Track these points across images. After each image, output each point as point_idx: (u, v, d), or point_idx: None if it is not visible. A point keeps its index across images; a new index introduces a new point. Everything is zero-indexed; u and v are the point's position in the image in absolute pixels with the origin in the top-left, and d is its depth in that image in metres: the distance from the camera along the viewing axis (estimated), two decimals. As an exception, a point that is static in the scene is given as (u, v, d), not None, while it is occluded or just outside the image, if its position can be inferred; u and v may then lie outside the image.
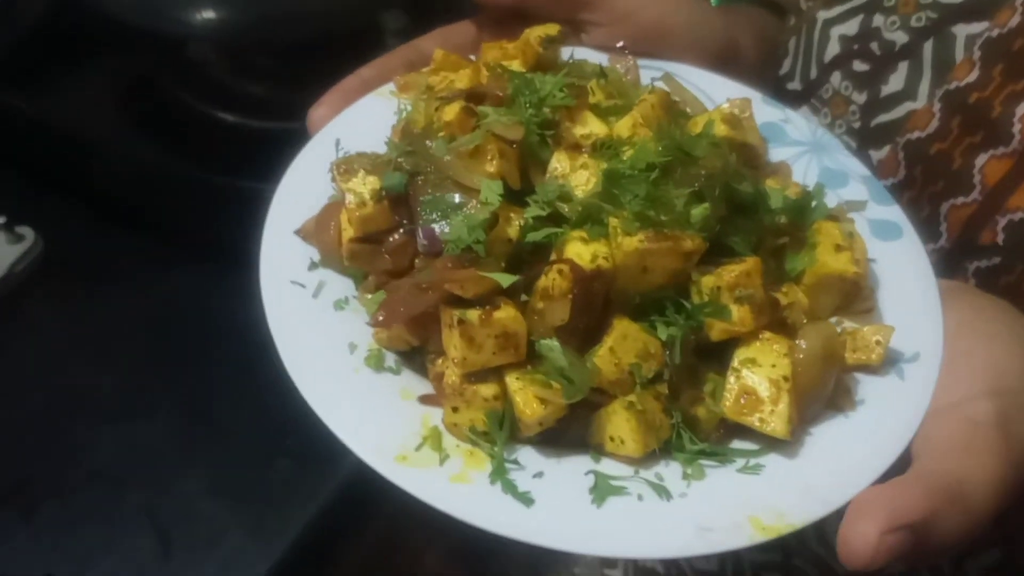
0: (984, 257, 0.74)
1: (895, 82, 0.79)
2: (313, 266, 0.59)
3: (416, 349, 0.55)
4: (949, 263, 0.76)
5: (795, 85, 0.90)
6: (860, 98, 0.82)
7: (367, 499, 0.93)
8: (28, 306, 1.04)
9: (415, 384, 0.54)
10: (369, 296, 0.56)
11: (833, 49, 0.85)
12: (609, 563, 1.18)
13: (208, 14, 0.95)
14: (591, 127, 0.57)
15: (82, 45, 1.16)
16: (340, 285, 0.58)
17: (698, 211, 0.52)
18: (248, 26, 0.97)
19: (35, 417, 0.95)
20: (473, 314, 0.50)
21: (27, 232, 1.05)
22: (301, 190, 0.61)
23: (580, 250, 0.51)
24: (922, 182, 0.76)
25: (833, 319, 0.60)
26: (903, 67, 0.78)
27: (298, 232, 0.60)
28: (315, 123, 0.67)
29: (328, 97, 0.68)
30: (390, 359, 0.55)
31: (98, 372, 0.99)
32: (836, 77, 0.84)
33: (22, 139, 1.15)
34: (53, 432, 0.95)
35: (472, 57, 0.71)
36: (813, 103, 0.88)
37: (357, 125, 0.65)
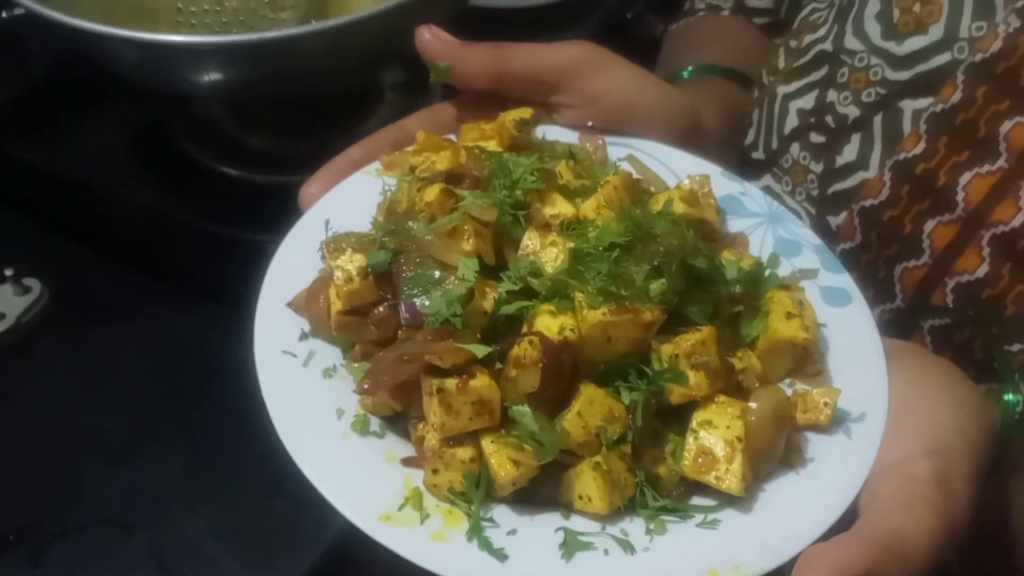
0: (936, 316, 0.79)
1: (849, 153, 0.85)
2: (304, 336, 0.63)
3: (399, 414, 0.60)
4: (905, 322, 0.81)
5: (759, 155, 0.95)
6: (817, 167, 0.88)
7: (371, 539, 0.95)
8: (36, 353, 1.06)
9: (398, 447, 0.59)
10: (356, 365, 0.61)
11: (792, 122, 0.90)
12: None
13: (214, 74, 0.99)
14: (559, 208, 0.62)
15: (89, 96, 1.20)
16: (329, 354, 0.62)
17: (656, 286, 0.57)
18: (252, 85, 1.00)
19: (44, 460, 0.97)
20: (451, 383, 0.54)
21: (34, 284, 1.08)
22: (292, 265, 0.66)
23: (549, 323, 0.56)
24: (877, 246, 0.82)
25: (786, 381, 0.64)
26: (856, 139, 0.84)
27: (290, 304, 0.64)
28: (306, 200, 0.72)
29: (318, 176, 0.73)
30: (375, 424, 0.59)
31: (105, 415, 1.01)
32: (795, 148, 0.90)
33: (30, 187, 1.18)
34: (61, 475, 0.96)
35: (453, 136, 0.76)
36: (775, 172, 0.94)
37: (345, 203, 0.70)
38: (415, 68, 1.15)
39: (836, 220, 0.86)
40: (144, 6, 1.15)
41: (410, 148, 0.74)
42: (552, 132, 0.76)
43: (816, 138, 0.88)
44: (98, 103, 1.21)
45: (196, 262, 1.10)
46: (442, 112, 0.79)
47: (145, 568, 0.89)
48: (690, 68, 1.01)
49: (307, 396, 0.60)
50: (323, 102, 1.10)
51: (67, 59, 1.24)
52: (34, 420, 1.01)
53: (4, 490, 0.95)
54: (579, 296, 0.57)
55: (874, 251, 0.83)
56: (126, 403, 1.03)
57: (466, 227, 0.59)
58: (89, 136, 1.18)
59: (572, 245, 0.59)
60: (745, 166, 0.96)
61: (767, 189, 0.92)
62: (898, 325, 0.82)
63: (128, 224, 1.15)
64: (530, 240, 0.61)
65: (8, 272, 1.07)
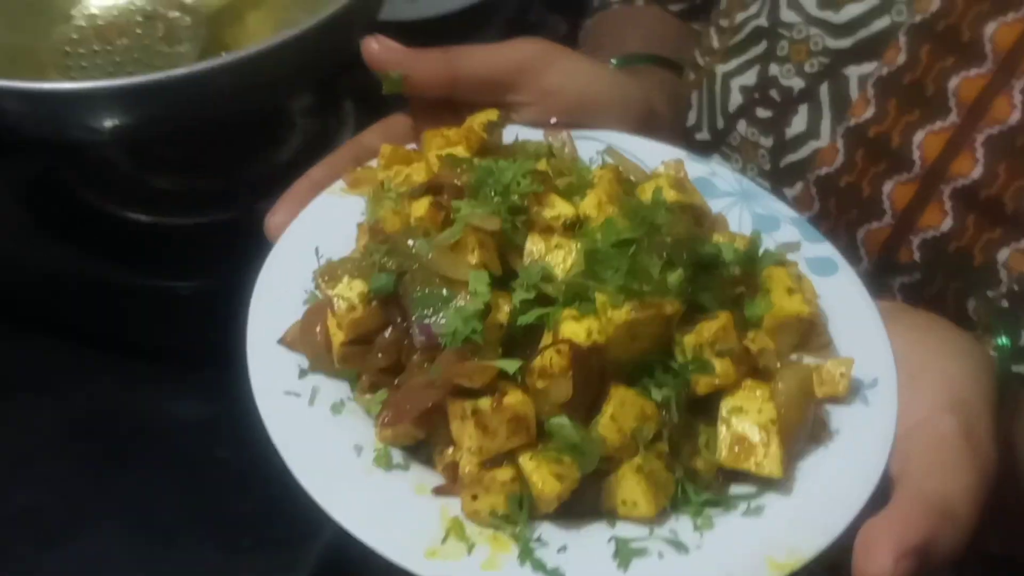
0: (905, 274, 0.80)
1: (798, 124, 0.85)
2: (303, 373, 0.59)
3: (421, 443, 0.57)
4: (874, 283, 0.82)
5: (703, 135, 0.96)
6: (767, 142, 0.88)
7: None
8: None
9: (426, 477, 0.56)
10: (368, 396, 0.57)
11: (736, 99, 0.91)
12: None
13: (114, 119, 0.93)
14: (559, 208, 0.60)
15: None
16: (333, 389, 0.59)
17: (674, 277, 0.56)
18: (155, 126, 0.94)
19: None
20: (485, 403, 0.52)
21: None
22: (275, 300, 0.62)
23: (575, 328, 0.54)
24: (836, 212, 0.83)
25: (794, 356, 0.64)
26: (803, 110, 0.85)
27: (281, 341, 0.60)
28: (274, 230, 0.68)
29: (282, 203, 0.69)
30: (397, 456, 0.56)
31: (40, 490, 0.95)
32: (742, 125, 0.91)
33: None
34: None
35: (413, 146, 0.73)
36: (723, 151, 0.94)
37: (317, 227, 0.66)
38: (324, 91, 1.12)
39: (792, 192, 0.87)
40: (26, 53, 1.07)
41: (373, 163, 0.71)
42: (514, 132, 0.74)
43: (763, 113, 0.88)
44: None
45: (110, 319, 1.03)
46: (398, 123, 0.76)
47: None
48: (614, 60, 1.01)
49: (320, 436, 0.56)
50: (229, 134, 1.03)
51: None
52: None
53: None
54: (600, 297, 0.55)
55: (833, 218, 0.84)
56: (60, 474, 0.97)
57: (469, 239, 0.56)
58: None
59: (582, 245, 0.57)
60: (691, 148, 0.97)
61: None
62: (868, 287, 0.83)
63: (30, 285, 1.08)
64: (534, 245, 0.59)
65: None
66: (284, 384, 0.58)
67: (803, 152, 0.85)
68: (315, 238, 0.66)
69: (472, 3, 1.33)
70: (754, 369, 0.60)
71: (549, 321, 0.55)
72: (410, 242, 0.57)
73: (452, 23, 1.32)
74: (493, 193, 0.60)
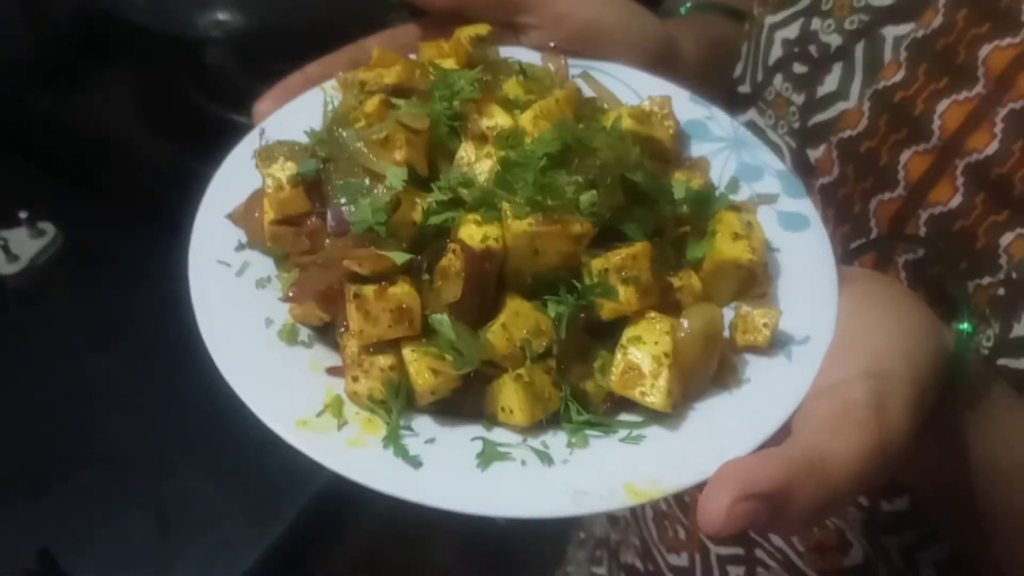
0: (910, 249, 0.77)
1: (830, 83, 0.82)
2: (240, 247, 0.63)
3: (329, 324, 0.59)
4: (881, 256, 0.79)
5: (745, 88, 0.93)
6: (799, 99, 0.85)
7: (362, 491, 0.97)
8: (47, 295, 1.09)
9: (325, 357, 0.58)
10: (287, 275, 0.60)
11: (776, 52, 0.88)
12: (595, 560, 1.21)
13: (222, 16, 0.98)
14: (497, 119, 0.60)
15: (106, 50, 1.22)
16: (264, 265, 0.62)
17: (586, 197, 0.56)
18: (259, 30, 1.00)
19: (48, 402, 1.00)
20: (369, 289, 0.54)
21: (48, 228, 1.10)
22: (236, 178, 0.65)
23: (472, 231, 0.55)
24: (854, 179, 0.79)
25: (732, 304, 0.63)
26: (837, 68, 0.81)
27: (229, 216, 0.64)
28: (258, 116, 0.71)
29: (273, 92, 0.72)
30: (304, 333, 0.59)
31: (110, 360, 1.04)
32: (778, 79, 0.87)
33: (48, 137, 1.20)
34: (64, 416, 0.99)
35: (413, 56, 0.75)
36: (759, 105, 0.91)
37: (294, 118, 0.69)
38: (420, 11, 1.14)
39: (815, 153, 0.84)
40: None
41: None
42: (515, 54, 0.75)
43: (799, 68, 0.85)
44: (115, 57, 1.23)
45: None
46: (404, 32, 0.78)
47: (140, 507, 0.93)
48: (688, 5, 0.99)
49: (237, 304, 0.59)
50: (333, 51, 1.09)
51: (84, 13, 1.26)
52: (41, 362, 1.04)
53: (8, 428, 0.99)
54: (505, 206, 0.55)
55: (851, 184, 0.80)
56: (130, 350, 1.05)
57: (397, 135, 0.58)
58: (104, 87, 1.22)
59: (502, 154, 0.57)
60: (733, 101, 0.94)
61: (751, 123, 0.90)
62: (874, 259, 0.80)
63: (141, 173, 1.17)
64: (465, 152, 0.60)
65: (23, 215, 1.09)
66: (220, 254, 0.62)
67: (831, 112, 0.82)
68: (290, 127, 0.68)
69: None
70: (671, 305, 0.59)
71: (454, 223, 0.56)
72: (341, 132, 0.59)
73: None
74: (441, 98, 0.61)
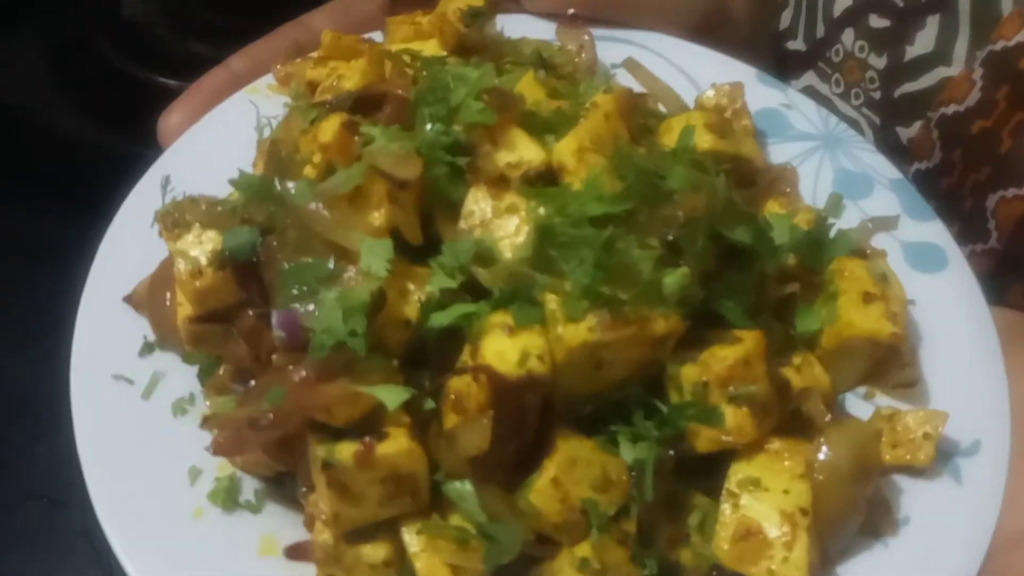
0: None
1: (923, 42, 0.67)
2: (147, 349, 0.43)
3: (284, 473, 0.40)
4: (1000, 270, 0.65)
5: (797, 45, 0.76)
6: (879, 62, 0.70)
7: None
8: None
9: (281, 525, 0.39)
10: (220, 399, 0.41)
11: (845, 1, 0.68)
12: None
13: None
14: (521, 152, 0.40)
15: (8, 9, 1.09)
16: (182, 377, 0.43)
17: (673, 278, 0.37)
18: None
19: None
20: (347, 452, 0.35)
21: None
22: (133, 240, 0.46)
23: (503, 347, 0.36)
24: (963, 168, 0.65)
25: (859, 391, 0.44)
26: (933, 22, 0.66)
27: (127, 299, 0.44)
28: (166, 135, 0.52)
29: (185, 99, 0.53)
30: (248, 490, 0.40)
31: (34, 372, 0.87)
32: (849, 35, 0.72)
33: None
34: None
35: (377, 36, 0.54)
36: (821, 67, 0.76)
37: (215, 143, 0.49)
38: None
39: (907, 132, 0.68)
40: None
41: (314, 55, 0.52)
42: (517, 25, 0.56)
43: (878, 22, 0.68)
44: (20, 16, 1.10)
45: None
46: (362, 5, 0.57)
47: (78, 546, 0.79)
48: None
49: (146, 448, 0.40)
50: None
51: None
52: None
53: None
54: (551, 300, 0.36)
55: (958, 174, 0.65)
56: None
57: (374, 188, 0.38)
58: (10, 52, 1.08)
59: (541, 213, 0.37)
60: (779, 61, 0.76)
61: (810, 91, 0.72)
62: (991, 272, 0.63)
63: (57, 149, 1.04)
64: (476, 204, 0.40)
65: None
66: (118, 363, 0.42)
67: (926, 81, 0.66)
68: (212, 153, 0.48)
69: None
70: (790, 420, 0.40)
71: (471, 328, 0.36)
72: (289, 185, 0.38)
73: None
74: (432, 118, 0.40)
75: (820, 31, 0.73)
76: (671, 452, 0.38)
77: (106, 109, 1.00)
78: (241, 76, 0.54)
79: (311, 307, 0.38)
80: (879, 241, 0.51)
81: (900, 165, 0.64)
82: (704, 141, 0.44)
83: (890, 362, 0.45)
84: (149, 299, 0.43)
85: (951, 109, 0.64)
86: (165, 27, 1.05)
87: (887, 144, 0.68)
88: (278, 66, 0.53)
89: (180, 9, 1.04)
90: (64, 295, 0.95)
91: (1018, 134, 0.61)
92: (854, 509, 0.40)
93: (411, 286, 0.38)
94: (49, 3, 1.08)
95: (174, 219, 0.40)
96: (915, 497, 0.43)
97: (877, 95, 0.69)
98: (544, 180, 0.41)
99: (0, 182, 1.02)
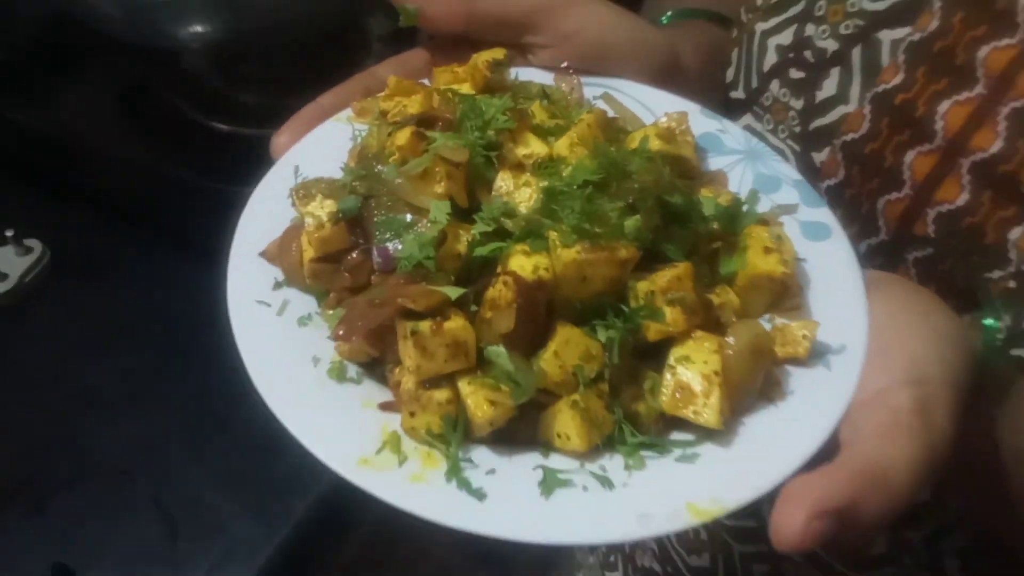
0: (919, 248, 0.78)
1: (828, 87, 0.83)
2: (277, 286, 0.62)
3: (376, 360, 0.59)
4: (890, 255, 0.80)
5: (738, 94, 0.94)
6: (798, 104, 0.86)
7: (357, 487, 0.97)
8: (37, 311, 1.08)
9: (376, 393, 0.58)
10: (331, 312, 0.60)
11: (771, 59, 0.89)
12: (609, 565, 1.22)
13: (197, 27, 0.98)
14: (532, 147, 0.61)
15: (78, 56, 1.21)
16: (303, 303, 0.62)
17: (631, 222, 0.57)
18: (234, 37, 1.00)
19: (45, 415, 0.99)
20: (425, 325, 0.54)
21: (35, 244, 1.09)
22: (265, 214, 0.65)
23: (523, 262, 0.55)
24: (860, 180, 0.81)
25: (765, 317, 0.64)
26: (835, 73, 0.83)
27: (262, 254, 0.63)
28: (277, 150, 0.71)
29: (289, 125, 0.72)
30: (352, 370, 0.59)
31: (106, 371, 1.03)
32: (775, 85, 0.89)
33: (25, 149, 1.19)
34: (62, 429, 0.98)
35: (426, 81, 0.75)
36: (756, 110, 0.92)
37: (316, 151, 0.69)
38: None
39: (820, 156, 0.85)
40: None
41: (381, 94, 0.73)
42: (526, 74, 0.75)
43: (795, 74, 0.86)
44: (88, 63, 1.21)
45: (189, 217, 1.11)
46: (414, 58, 0.78)
47: (146, 514, 0.92)
48: (669, 14, 1.00)
49: (282, 345, 0.59)
50: (310, 56, 1.11)
51: (53, 20, 1.24)
52: (36, 377, 1.02)
53: (7, 444, 0.97)
54: (552, 235, 0.56)
55: (857, 185, 0.82)
56: (125, 358, 1.05)
57: (437, 169, 0.58)
58: (80, 96, 1.20)
59: (545, 184, 0.58)
60: (727, 106, 0.95)
61: (748, 128, 0.91)
62: (883, 258, 0.81)
63: (122, 182, 1.16)
64: (503, 181, 0.60)
65: (9, 233, 1.08)
66: (258, 293, 0.62)
67: (832, 116, 0.83)
68: (313, 160, 0.68)
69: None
70: (712, 322, 0.60)
71: (502, 254, 0.57)
72: (380, 167, 0.59)
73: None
74: (473, 128, 0.61)
75: (754, 82, 0.91)
76: (630, 338, 0.58)
77: (167, 146, 1.14)
78: (328, 109, 0.72)
79: (398, 244, 0.58)
80: (784, 221, 0.72)
81: (815, 182, 0.80)
82: (655, 144, 0.64)
83: (783, 294, 0.63)
84: (280, 250, 0.62)
85: (850, 136, 0.79)
86: (218, 79, 1.18)
87: (805, 167, 0.82)
88: (355, 103, 0.74)
89: (230, 64, 1.17)
90: (138, 311, 1.04)
91: (896, 151, 0.76)
92: (752, 378, 0.57)
93: (461, 232, 0.58)
94: (114, 52, 1.16)
95: (305, 191, 0.61)
96: (798, 379, 0.59)
97: (797, 129, 0.85)
98: (548, 165, 0.62)
99: (77, 215, 1.14)
